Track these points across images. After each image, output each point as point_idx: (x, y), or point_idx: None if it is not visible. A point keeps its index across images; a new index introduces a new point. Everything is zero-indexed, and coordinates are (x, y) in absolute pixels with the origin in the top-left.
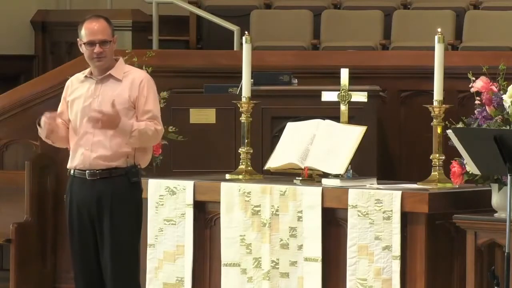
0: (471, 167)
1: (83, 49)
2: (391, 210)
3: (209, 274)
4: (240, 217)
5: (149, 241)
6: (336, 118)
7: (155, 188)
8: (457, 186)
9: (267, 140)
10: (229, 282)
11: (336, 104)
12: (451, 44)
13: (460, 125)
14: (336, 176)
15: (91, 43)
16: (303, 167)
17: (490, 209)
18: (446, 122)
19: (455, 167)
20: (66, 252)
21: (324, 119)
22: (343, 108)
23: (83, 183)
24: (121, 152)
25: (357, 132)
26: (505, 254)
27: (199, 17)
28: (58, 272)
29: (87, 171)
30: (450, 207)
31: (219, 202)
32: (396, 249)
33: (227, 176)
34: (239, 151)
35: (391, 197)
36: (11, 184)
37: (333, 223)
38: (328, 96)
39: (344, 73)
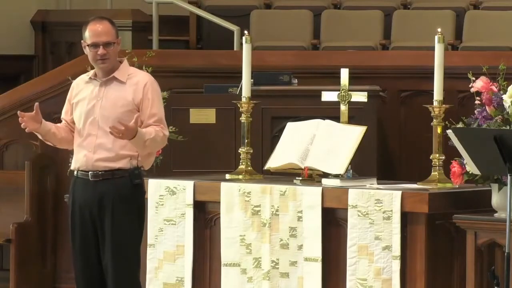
0: (471, 167)
1: (87, 50)
2: (391, 210)
3: (209, 274)
4: (240, 217)
5: (149, 241)
6: (336, 118)
7: (155, 188)
8: (457, 186)
9: (267, 140)
10: (229, 282)
11: (336, 104)
12: (451, 44)
13: (460, 125)
14: (336, 176)
15: (95, 45)
16: (303, 167)
17: (490, 209)
18: (446, 122)
19: (455, 167)
20: (66, 252)
21: (324, 119)
22: (343, 108)
23: (85, 184)
24: (124, 154)
25: (357, 132)
26: (505, 254)
27: (199, 17)
28: (58, 272)
29: (90, 173)
30: (450, 207)
31: (219, 202)
32: (396, 249)
33: (227, 176)
34: (239, 151)
35: (391, 197)
36: (11, 184)
37: (333, 223)
38: (328, 96)
39: (344, 73)
